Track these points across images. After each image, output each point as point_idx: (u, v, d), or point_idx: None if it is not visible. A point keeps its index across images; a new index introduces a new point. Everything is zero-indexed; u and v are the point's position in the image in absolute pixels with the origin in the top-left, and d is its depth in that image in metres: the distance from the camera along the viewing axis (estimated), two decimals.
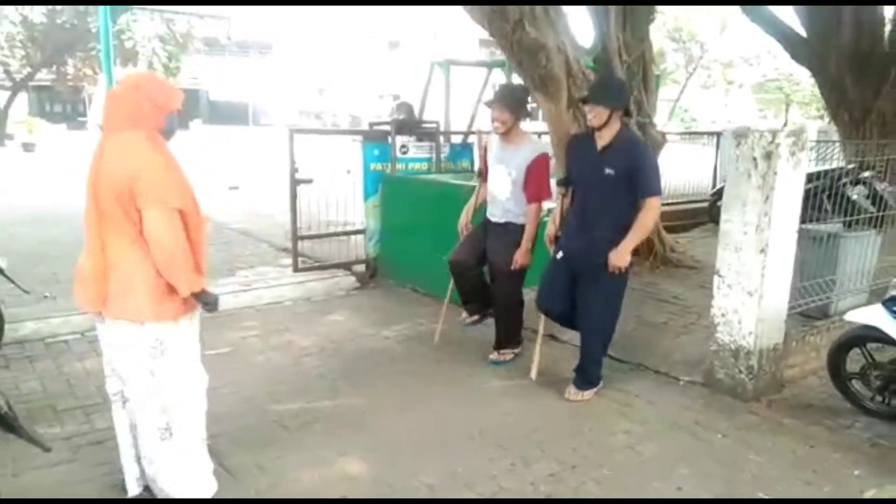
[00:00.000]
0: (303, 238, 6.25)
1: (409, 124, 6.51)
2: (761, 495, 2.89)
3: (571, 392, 3.80)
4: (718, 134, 10.50)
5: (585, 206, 3.76)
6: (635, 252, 3.77)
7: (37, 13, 22.53)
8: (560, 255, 3.85)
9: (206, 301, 2.53)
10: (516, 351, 4.36)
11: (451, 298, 4.66)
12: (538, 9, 5.42)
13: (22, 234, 7.77)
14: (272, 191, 10.75)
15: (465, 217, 4.44)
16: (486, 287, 4.36)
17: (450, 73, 8.25)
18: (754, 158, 3.60)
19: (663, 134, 6.88)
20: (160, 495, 2.65)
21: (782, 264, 3.76)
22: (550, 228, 4.06)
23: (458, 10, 5.99)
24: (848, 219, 4.89)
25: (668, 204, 8.52)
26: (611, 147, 3.60)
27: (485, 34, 5.99)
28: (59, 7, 22.28)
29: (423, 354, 4.47)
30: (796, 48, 9.62)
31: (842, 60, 8.92)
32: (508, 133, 4.07)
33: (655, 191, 3.60)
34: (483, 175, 4.38)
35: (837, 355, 3.67)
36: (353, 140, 7.28)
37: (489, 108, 4.09)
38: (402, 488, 2.88)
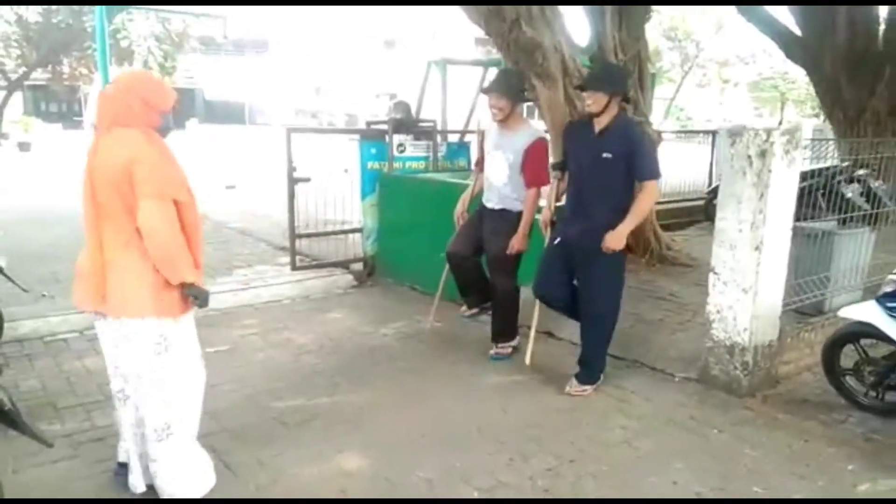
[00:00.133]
0: (301, 237, 6.26)
1: (406, 123, 6.51)
2: (756, 489, 2.92)
3: (573, 386, 3.80)
4: (714, 132, 10.51)
5: (582, 189, 3.72)
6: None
7: (32, 12, 22.49)
8: (557, 240, 3.83)
9: (195, 295, 2.52)
10: (514, 344, 4.36)
11: (443, 292, 4.68)
12: (534, 8, 5.46)
13: (21, 233, 7.77)
14: (269, 190, 10.75)
15: (461, 206, 4.45)
16: (486, 279, 4.35)
17: (446, 72, 8.27)
18: (749, 157, 3.62)
19: (659, 132, 6.93)
20: (161, 494, 2.67)
21: (777, 261, 3.79)
22: (545, 213, 4.06)
23: (455, 10, 6.02)
24: (842, 216, 4.93)
25: (664, 202, 8.56)
26: (608, 130, 3.58)
27: (481, 33, 6.01)
28: (54, 6, 22.21)
29: (420, 351, 4.50)
30: (791, 47, 9.68)
31: (837, 59, 8.98)
32: (507, 119, 4.08)
33: (654, 174, 3.59)
34: (479, 165, 4.38)
35: (832, 351, 3.70)
36: (350, 139, 7.28)
37: (487, 95, 4.11)
38: (400, 484, 2.91)
